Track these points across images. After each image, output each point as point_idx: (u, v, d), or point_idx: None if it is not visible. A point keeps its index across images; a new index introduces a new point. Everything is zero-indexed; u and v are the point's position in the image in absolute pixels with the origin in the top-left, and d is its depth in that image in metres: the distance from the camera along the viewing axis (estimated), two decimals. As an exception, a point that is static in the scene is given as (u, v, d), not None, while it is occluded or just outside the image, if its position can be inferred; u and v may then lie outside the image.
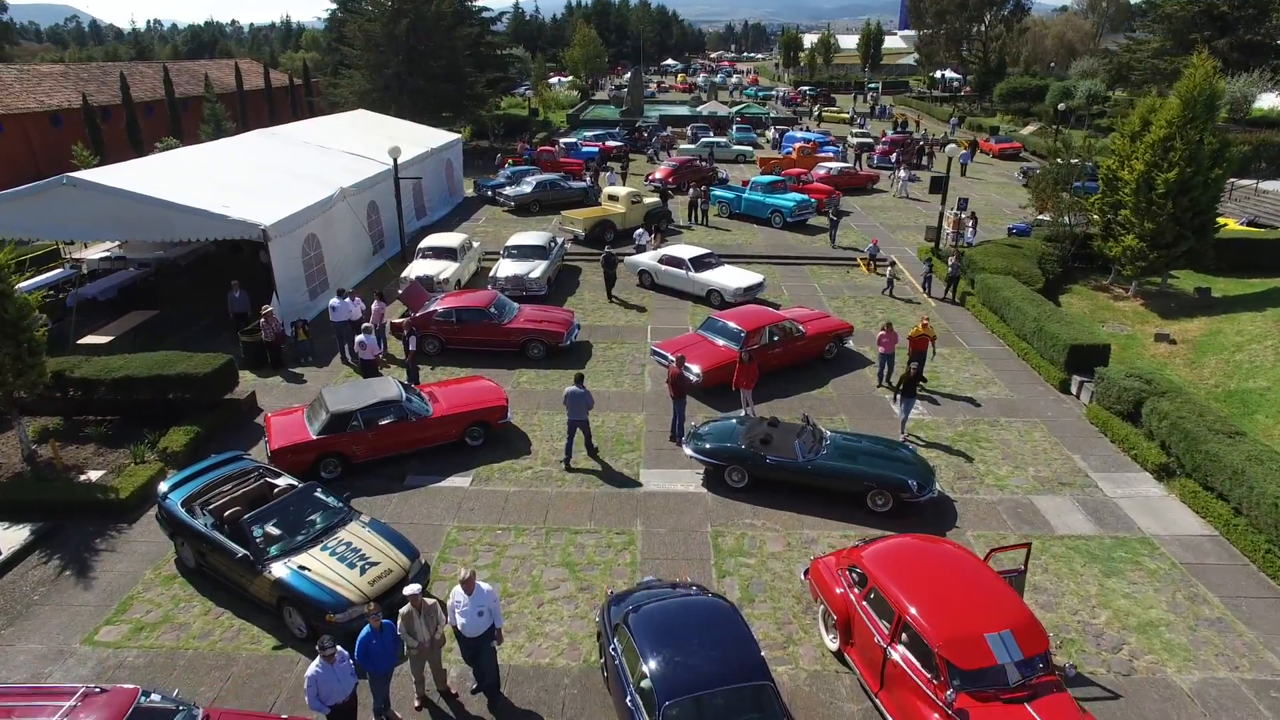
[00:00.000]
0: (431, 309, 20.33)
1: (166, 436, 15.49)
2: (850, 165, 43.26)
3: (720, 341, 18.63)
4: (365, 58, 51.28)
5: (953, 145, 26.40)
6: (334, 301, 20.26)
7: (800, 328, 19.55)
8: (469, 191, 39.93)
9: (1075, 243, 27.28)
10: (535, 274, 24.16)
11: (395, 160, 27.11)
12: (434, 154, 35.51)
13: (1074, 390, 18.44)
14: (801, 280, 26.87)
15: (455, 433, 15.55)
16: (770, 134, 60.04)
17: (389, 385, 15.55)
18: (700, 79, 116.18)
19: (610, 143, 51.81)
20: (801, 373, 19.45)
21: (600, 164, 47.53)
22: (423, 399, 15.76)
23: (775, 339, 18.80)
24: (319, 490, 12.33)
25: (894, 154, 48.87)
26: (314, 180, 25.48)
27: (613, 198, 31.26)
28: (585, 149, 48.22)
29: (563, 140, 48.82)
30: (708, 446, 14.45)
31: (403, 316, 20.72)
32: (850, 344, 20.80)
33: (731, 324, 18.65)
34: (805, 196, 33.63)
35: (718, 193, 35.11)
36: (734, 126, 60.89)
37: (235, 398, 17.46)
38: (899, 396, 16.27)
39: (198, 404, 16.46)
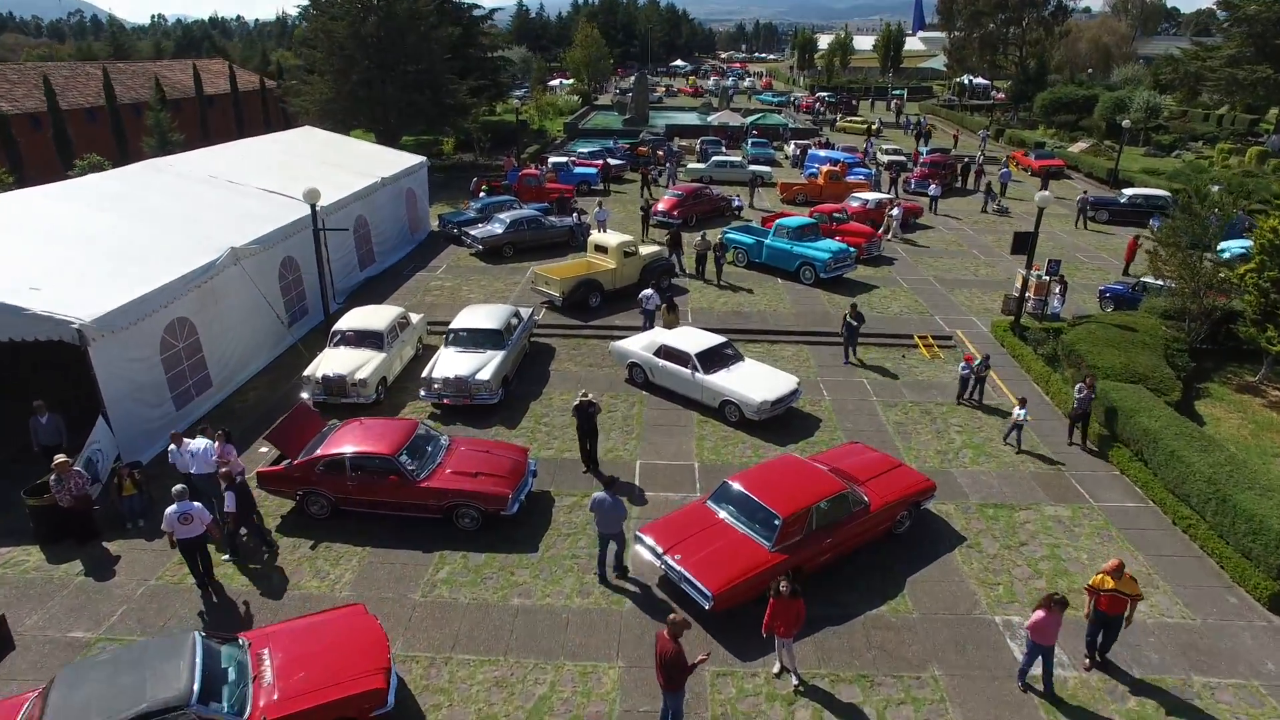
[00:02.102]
0: (315, 454, 13.84)
1: None
2: (889, 195, 36.52)
3: (741, 528, 12.11)
4: (328, 62, 44.83)
5: (1045, 195, 19.68)
6: (173, 448, 13.80)
7: (862, 494, 13.00)
8: (437, 225, 33.42)
9: (1211, 322, 20.57)
10: (485, 374, 17.65)
11: (314, 208, 20.59)
12: (387, 185, 29.04)
13: (1294, 613, 11.88)
14: (843, 373, 20.27)
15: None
16: (789, 149, 53.31)
17: (175, 669, 8.89)
18: (711, 82, 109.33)
19: (611, 160, 45.13)
20: (853, 563, 12.92)
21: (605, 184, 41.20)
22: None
23: (828, 520, 12.26)
24: None
25: (933, 177, 42.15)
26: (195, 239, 19.01)
27: (600, 248, 24.68)
28: (578, 170, 41.60)
29: (551, 159, 41.98)
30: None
31: (276, 463, 14.22)
32: (932, 505, 14.22)
33: (760, 501, 12.09)
34: (843, 245, 26.95)
35: (733, 236, 28.51)
36: (749, 140, 54.21)
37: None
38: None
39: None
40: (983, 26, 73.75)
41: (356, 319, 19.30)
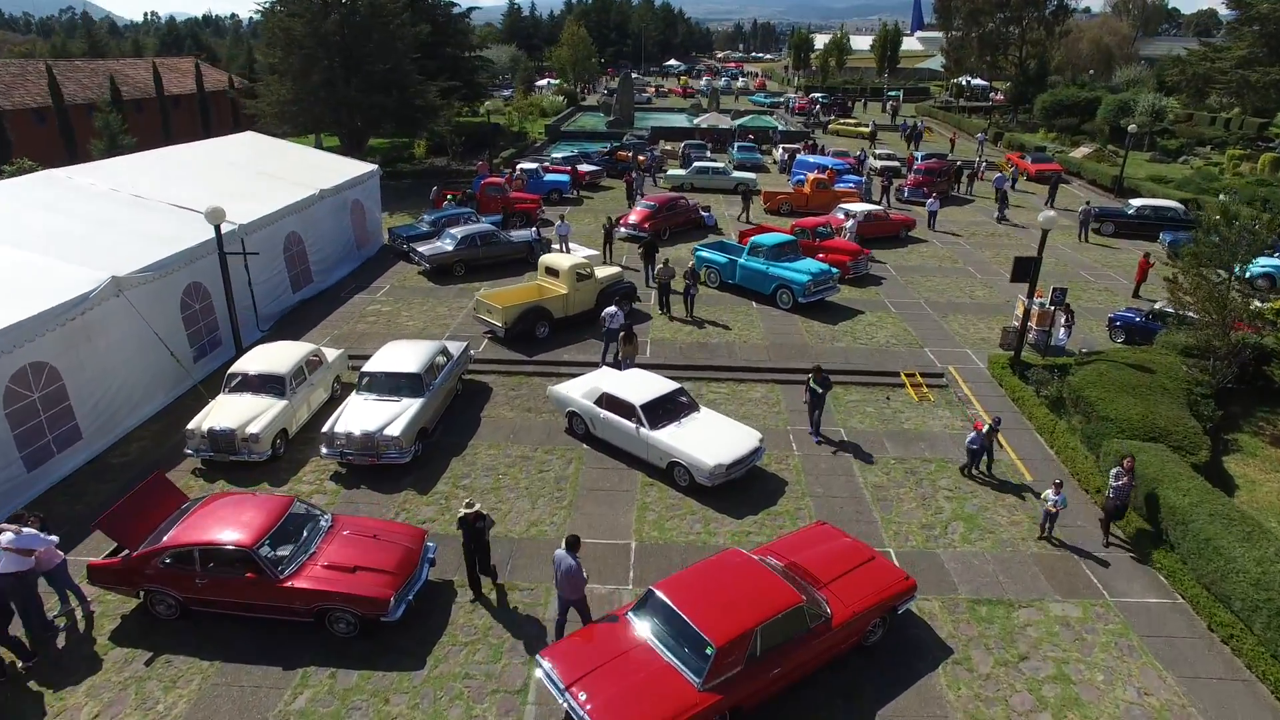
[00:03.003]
0: (159, 544, 11.30)
1: None
2: (879, 208, 33.84)
3: (667, 654, 9.57)
4: (286, 62, 42.23)
5: (1049, 215, 17.17)
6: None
7: (823, 604, 10.46)
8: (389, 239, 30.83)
9: (1238, 362, 17.99)
10: (395, 428, 15.10)
11: (219, 229, 18.04)
12: (327, 198, 26.47)
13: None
14: (822, 418, 17.70)
15: None
16: (777, 154, 50.75)
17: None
18: (703, 83, 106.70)
19: (584, 167, 42.53)
20: (809, 685, 10.38)
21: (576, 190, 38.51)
22: None
23: (777, 642, 9.73)
24: None
25: (928, 185, 39.64)
26: (69, 267, 16.42)
27: (551, 271, 22.10)
28: (550, 177, 39.01)
29: (521, 165, 39.30)
30: None
31: (113, 554, 11.67)
32: (913, 605, 11.66)
33: (690, 622, 9.53)
34: (825, 266, 24.35)
35: (706, 254, 25.94)
36: (735, 144, 51.65)
37: None
38: None
39: None
40: (981, 26, 71.24)
41: (257, 360, 16.73)
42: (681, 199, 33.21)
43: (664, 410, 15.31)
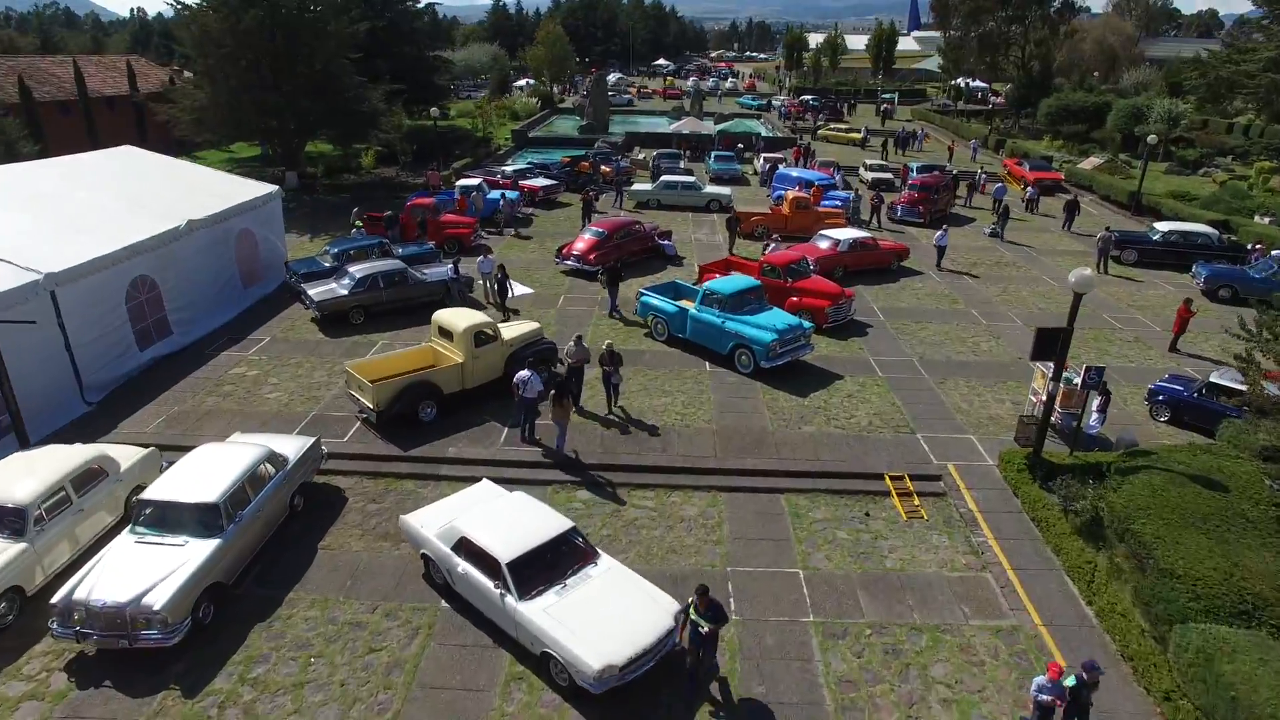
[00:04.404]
0: None
1: None
2: (867, 234, 29.04)
3: None
4: (201, 63, 37.65)
5: (1084, 275, 12.56)
6: None
7: None
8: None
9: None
10: (159, 597, 10.50)
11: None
12: (199, 230, 21.87)
13: None
14: (775, 549, 13.16)
15: None
16: (758, 164, 46.13)
17: None
18: (690, 83, 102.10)
19: (536, 182, 37.84)
20: None
21: (513, 212, 33.62)
22: None
23: None
24: None
25: (924, 204, 35.15)
26: None
27: (445, 332, 17.49)
28: (494, 194, 34.32)
29: (461, 182, 34.44)
30: None
31: None
32: None
33: None
34: (793, 321, 19.67)
35: (651, 300, 21.36)
36: (712, 154, 47.03)
37: None
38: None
39: None
40: (982, 24, 66.66)
41: (-9, 479, 12.14)
42: (636, 224, 28.58)
43: (543, 568, 10.74)
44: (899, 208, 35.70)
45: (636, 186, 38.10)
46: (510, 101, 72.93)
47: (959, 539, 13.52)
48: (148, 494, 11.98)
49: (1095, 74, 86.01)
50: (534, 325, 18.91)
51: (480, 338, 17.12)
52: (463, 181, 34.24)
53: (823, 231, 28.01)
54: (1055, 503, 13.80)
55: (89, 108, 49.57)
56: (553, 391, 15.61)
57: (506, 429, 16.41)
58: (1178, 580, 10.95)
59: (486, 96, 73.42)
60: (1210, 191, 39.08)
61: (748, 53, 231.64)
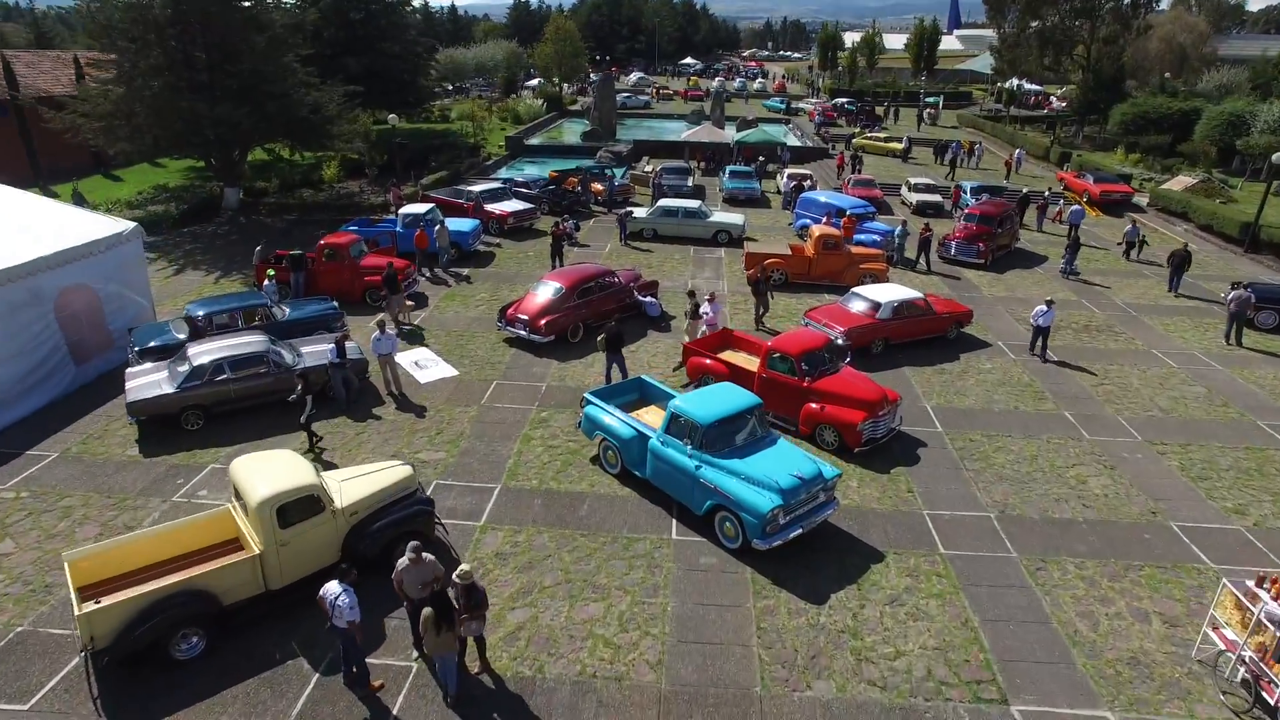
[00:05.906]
0: None
1: None
2: (918, 294, 21.11)
3: None
4: (107, 61, 31.53)
5: None
6: None
7: None
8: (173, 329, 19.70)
9: None
10: None
11: None
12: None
13: None
14: None
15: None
16: (781, 183, 38.91)
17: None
18: (715, 83, 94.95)
19: (503, 206, 31.01)
20: None
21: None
22: None
23: None
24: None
25: (985, 240, 27.91)
26: None
27: (238, 495, 10.82)
28: (464, 225, 27.50)
29: (404, 211, 27.19)
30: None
31: None
32: None
33: None
34: (810, 466, 12.43)
35: (597, 414, 14.44)
36: (726, 171, 39.90)
37: None
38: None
39: None
40: (1042, 19, 58.64)
41: None
42: (608, 274, 21.60)
43: None
44: (953, 243, 28.43)
45: (636, 213, 30.84)
46: (514, 103, 66.39)
47: None
48: None
49: (1166, 75, 77.34)
50: (401, 472, 12.04)
51: (289, 514, 10.38)
52: (408, 209, 27.42)
53: (856, 290, 20.88)
54: None
55: (21, 109, 43.77)
56: (426, 610, 8.94)
57: (317, 674, 9.70)
58: None
59: (478, 96, 66.93)
60: (1348, 225, 31.18)
61: (781, 52, 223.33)
